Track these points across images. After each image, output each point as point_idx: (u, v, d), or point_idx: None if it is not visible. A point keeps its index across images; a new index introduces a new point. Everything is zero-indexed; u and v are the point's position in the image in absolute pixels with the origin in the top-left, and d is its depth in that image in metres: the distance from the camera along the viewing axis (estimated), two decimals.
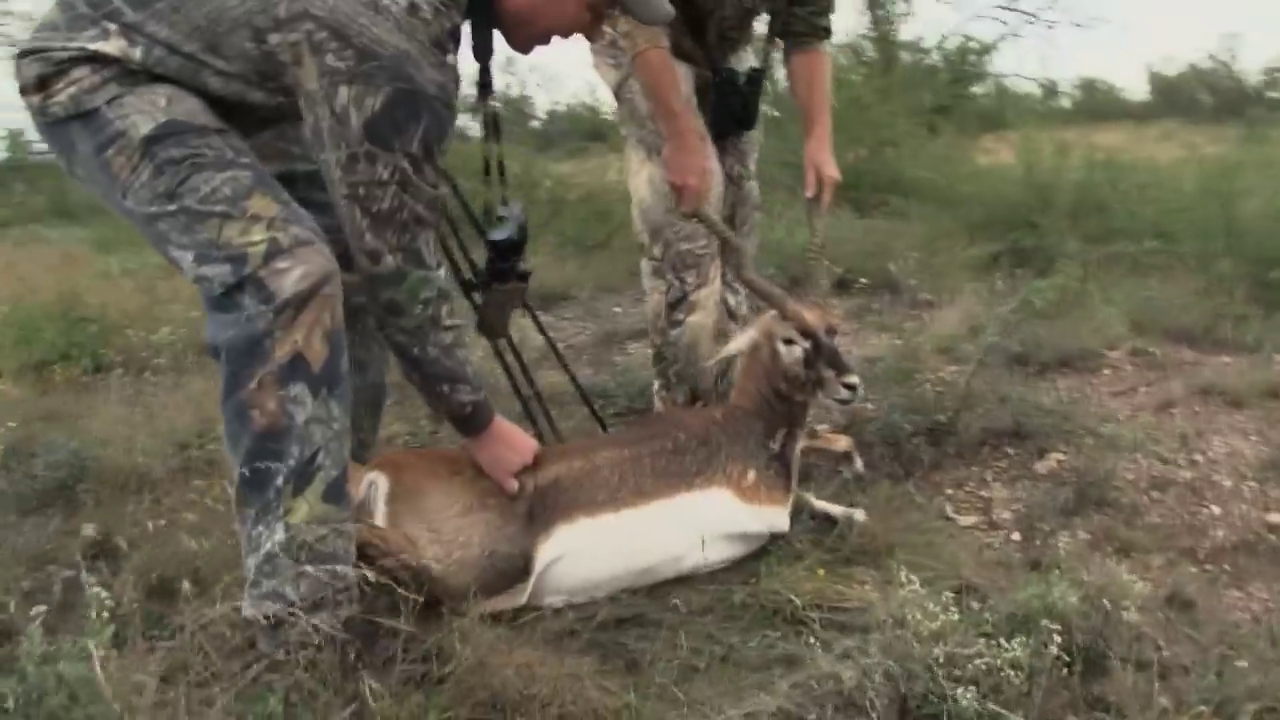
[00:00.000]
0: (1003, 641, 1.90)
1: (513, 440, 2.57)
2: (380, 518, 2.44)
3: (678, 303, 3.29)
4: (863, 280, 5.70)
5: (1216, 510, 2.92)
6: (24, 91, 2.07)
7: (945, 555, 2.56)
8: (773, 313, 2.95)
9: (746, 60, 3.47)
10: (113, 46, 2.01)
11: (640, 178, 3.30)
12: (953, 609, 2.01)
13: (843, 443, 3.19)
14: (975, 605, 2.19)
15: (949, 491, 3.15)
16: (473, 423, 2.48)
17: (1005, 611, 2.08)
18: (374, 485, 2.49)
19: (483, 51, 2.39)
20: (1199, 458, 3.25)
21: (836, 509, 2.86)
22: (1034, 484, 3.12)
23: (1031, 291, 4.39)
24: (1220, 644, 2.21)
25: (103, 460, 3.24)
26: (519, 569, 2.46)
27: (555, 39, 2.37)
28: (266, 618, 2.03)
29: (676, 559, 2.60)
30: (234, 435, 2.03)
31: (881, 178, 8.71)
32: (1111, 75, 62.97)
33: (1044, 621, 1.96)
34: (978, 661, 1.87)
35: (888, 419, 3.33)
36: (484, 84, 2.48)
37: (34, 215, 14.38)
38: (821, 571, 2.46)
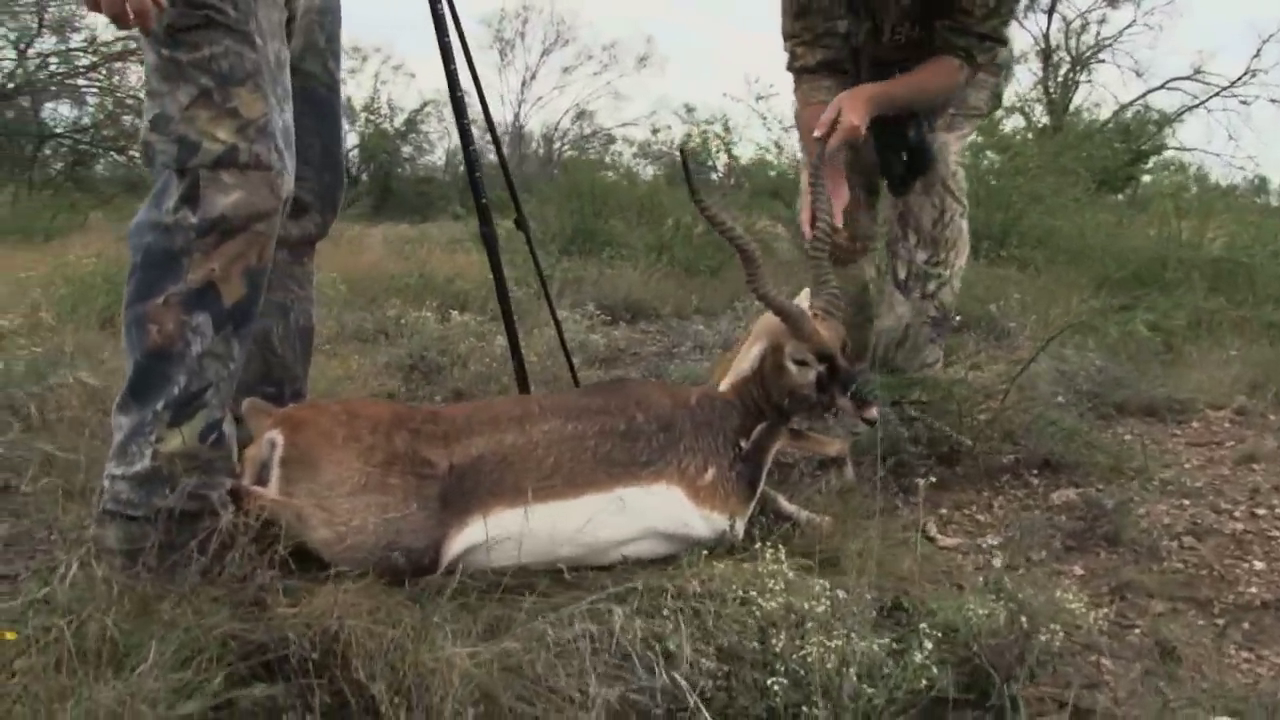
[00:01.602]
0: (853, 637, 1.54)
1: None
2: (274, 484, 2.14)
3: None
4: (958, 318, 5.29)
5: (1259, 565, 2.43)
6: None
7: (898, 569, 2.19)
8: (781, 326, 2.64)
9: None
10: None
11: None
12: (824, 600, 1.66)
13: (835, 446, 2.81)
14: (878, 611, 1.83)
15: (943, 512, 2.75)
16: None
17: (921, 624, 1.72)
18: (273, 444, 2.18)
19: None
20: (1262, 511, 2.74)
21: (799, 512, 2.52)
22: (1045, 515, 2.69)
23: (1123, 324, 3.91)
24: (1192, 701, 1.77)
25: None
26: (424, 563, 2.12)
27: None
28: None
29: (604, 554, 2.28)
30: (130, 342, 1.92)
31: (1028, 237, 8.20)
32: None
33: (922, 625, 1.59)
34: (805, 654, 1.51)
35: (893, 432, 2.94)
36: None
37: None
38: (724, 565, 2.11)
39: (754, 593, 1.81)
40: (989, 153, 9.89)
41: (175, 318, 1.85)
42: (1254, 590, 2.30)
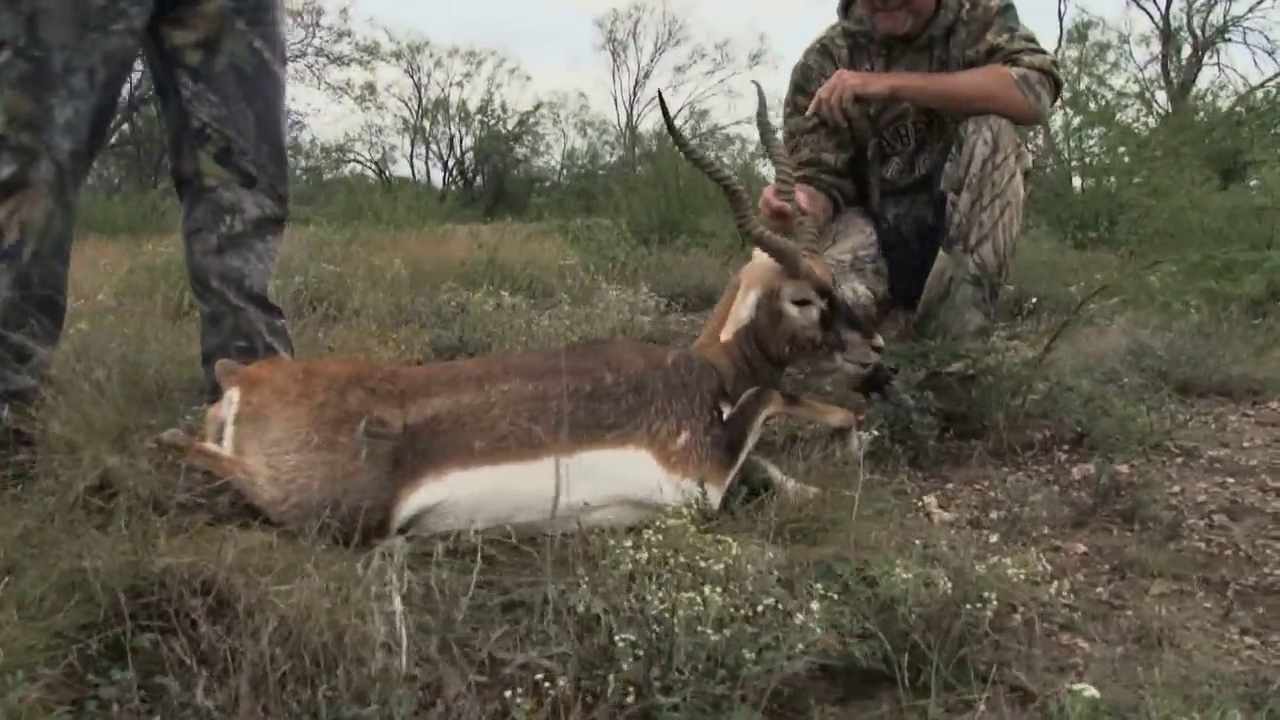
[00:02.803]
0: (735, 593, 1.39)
1: None
2: (227, 441, 2.10)
3: None
4: (1034, 300, 5.00)
5: None
6: None
7: (869, 540, 2.00)
8: (774, 267, 2.51)
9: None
10: None
11: None
12: (724, 560, 1.51)
13: (838, 416, 2.61)
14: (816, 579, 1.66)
15: (949, 487, 2.54)
16: None
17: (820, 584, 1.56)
18: (229, 402, 2.15)
19: None
20: None
21: (787, 480, 2.36)
22: (1060, 491, 2.46)
23: (1181, 299, 3.61)
24: (1167, 687, 1.55)
25: None
26: (372, 524, 2.02)
27: None
28: None
29: (566, 521, 2.13)
30: None
31: (1122, 218, 7.75)
32: None
33: (817, 585, 1.43)
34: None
35: (899, 403, 2.72)
36: None
37: None
38: (694, 529, 1.96)
39: (699, 559, 1.67)
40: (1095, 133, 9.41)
41: None
42: None
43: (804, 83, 3.49)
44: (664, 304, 5.65)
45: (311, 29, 26.24)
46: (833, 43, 3.48)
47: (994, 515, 2.32)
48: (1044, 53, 3.22)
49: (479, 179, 29.96)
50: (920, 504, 2.39)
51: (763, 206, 2.96)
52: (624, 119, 34.89)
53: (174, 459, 2.02)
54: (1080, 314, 3.30)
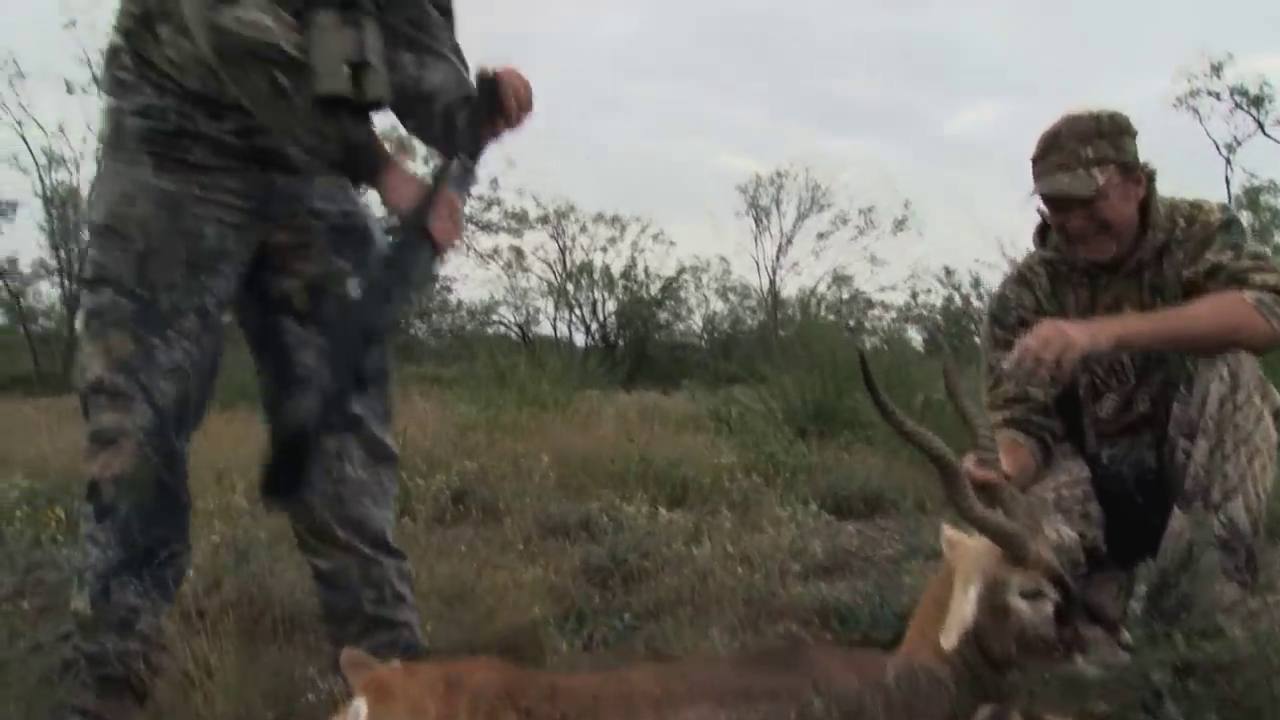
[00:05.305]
0: None
1: (419, 181, 2.29)
2: None
3: None
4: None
5: None
6: None
7: None
8: (996, 553, 2.05)
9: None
10: None
11: None
12: None
13: None
14: None
15: None
16: (368, 155, 2.25)
17: None
18: (356, 715, 1.80)
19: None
20: None
21: None
22: None
23: None
24: None
25: None
26: None
27: None
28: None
29: None
30: None
31: None
32: None
33: None
34: None
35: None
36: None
37: None
38: None
39: None
40: None
41: (83, 505, 2.33)
42: None
43: (1002, 314, 3.09)
44: (833, 520, 5.18)
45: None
46: (1031, 270, 3.07)
47: None
48: (1276, 271, 2.73)
49: (621, 342, 30.19)
50: None
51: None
52: (766, 283, 34.89)
53: None
54: None
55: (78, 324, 2.32)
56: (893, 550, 4.82)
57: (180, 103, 2.27)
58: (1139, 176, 2.82)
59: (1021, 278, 3.08)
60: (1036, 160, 2.87)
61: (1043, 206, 2.95)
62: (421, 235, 2.22)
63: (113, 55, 2.31)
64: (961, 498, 2.05)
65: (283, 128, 2.20)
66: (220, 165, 2.33)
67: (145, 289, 2.25)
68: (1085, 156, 2.76)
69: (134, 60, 2.28)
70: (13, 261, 28.88)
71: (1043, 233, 3.06)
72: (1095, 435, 3.03)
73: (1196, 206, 2.89)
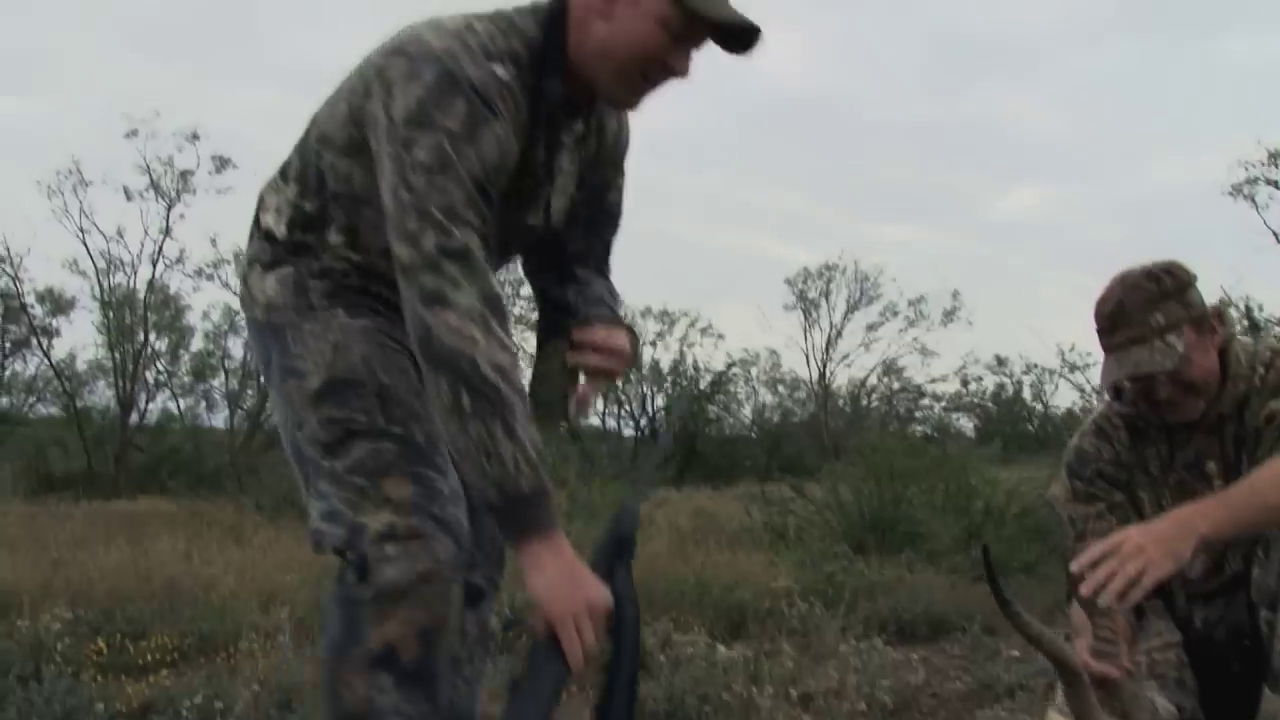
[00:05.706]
0: None
1: (576, 571, 1.81)
2: None
3: None
4: None
5: None
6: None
7: None
8: None
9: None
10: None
11: None
12: None
13: None
14: None
15: None
16: (528, 511, 1.83)
17: None
18: None
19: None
20: None
21: None
22: None
23: None
24: None
25: None
26: None
27: (644, 79, 2.02)
28: None
29: None
30: (325, 696, 2.02)
31: None
32: None
33: None
34: None
35: None
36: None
37: None
38: None
39: None
40: None
41: (362, 678, 1.93)
42: None
43: (1079, 467, 2.89)
44: (896, 645, 4.97)
45: (511, 299, 27.67)
46: (1109, 423, 2.88)
47: None
48: None
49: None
50: None
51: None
52: (815, 375, 34.69)
53: None
54: None
55: (324, 505, 2.02)
56: (962, 684, 4.61)
57: (356, 269, 2.14)
58: (1212, 325, 2.66)
59: (1100, 430, 2.91)
60: (1104, 336, 2.70)
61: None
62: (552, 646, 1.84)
63: (266, 235, 2.18)
64: (1083, 705, 1.92)
65: (453, 442, 2.01)
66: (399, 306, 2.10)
67: (397, 425, 2.04)
68: (1157, 324, 2.57)
69: (302, 235, 2.16)
70: (70, 361, 29.38)
71: (1117, 392, 2.89)
72: (1186, 597, 2.82)
73: (1277, 352, 2.72)
